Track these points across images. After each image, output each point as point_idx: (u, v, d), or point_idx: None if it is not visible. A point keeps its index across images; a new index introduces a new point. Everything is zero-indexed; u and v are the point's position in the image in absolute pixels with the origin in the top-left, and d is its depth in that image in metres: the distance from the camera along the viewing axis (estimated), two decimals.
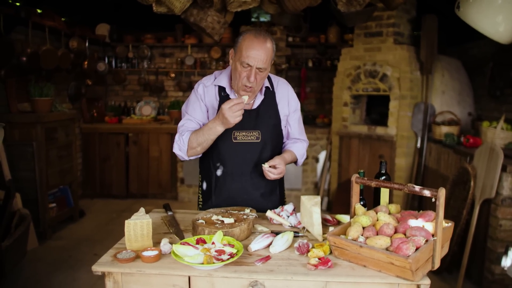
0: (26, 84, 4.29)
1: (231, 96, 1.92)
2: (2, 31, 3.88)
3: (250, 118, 1.92)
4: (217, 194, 2.01)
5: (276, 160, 1.86)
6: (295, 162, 2.09)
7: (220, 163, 1.98)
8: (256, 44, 1.75)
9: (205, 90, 1.96)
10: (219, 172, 1.99)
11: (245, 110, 1.86)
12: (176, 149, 1.92)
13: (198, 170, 2.15)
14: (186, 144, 1.88)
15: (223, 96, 1.93)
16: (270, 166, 1.85)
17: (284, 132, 2.07)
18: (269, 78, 2.02)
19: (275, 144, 1.99)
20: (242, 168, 1.96)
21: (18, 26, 4.20)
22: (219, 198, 2.01)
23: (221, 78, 1.96)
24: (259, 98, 1.96)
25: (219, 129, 1.77)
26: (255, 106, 1.95)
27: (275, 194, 2.07)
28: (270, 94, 1.99)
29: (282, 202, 2.14)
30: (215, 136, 1.82)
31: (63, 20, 5.06)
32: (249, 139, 1.93)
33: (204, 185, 2.08)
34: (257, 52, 1.74)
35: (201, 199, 2.12)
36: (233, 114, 1.67)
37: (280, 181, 2.13)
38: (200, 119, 1.96)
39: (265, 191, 2.02)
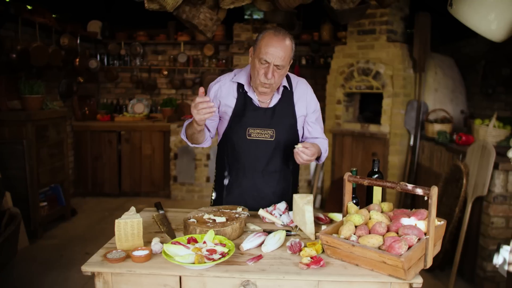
0: (16, 81, 4.23)
1: (249, 93, 1.94)
2: None
3: (265, 116, 1.93)
4: (229, 189, 2.03)
5: (308, 144, 1.82)
6: (318, 158, 2.05)
7: (233, 159, 1.99)
8: (275, 42, 1.77)
9: (220, 89, 1.98)
10: (231, 167, 2.01)
11: (261, 108, 1.93)
12: (183, 135, 1.99)
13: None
14: (184, 134, 1.96)
15: (241, 93, 1.95)
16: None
17: (300, 133, 2.06)
18: (288, 78, 2.02)
19: (289, 144, 1.97)
20: (255, 165, 1.97)
21: (7, 22, 4.14)
22: (231, 193, 2.03)
23: (241, 76, 1.97)
24: (276, 97, 1.97)
25: (195, 124, 1.77)
26: (271, 105, 1.96)
27: (287, 195, 2.03)
28: (288, 93, 1.99)
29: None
30: (197, 131, 1.82)
31: (54, 17, 5.00)
32: (263, 137, 1.94)
33: (218, 180, 2.10)
34: (275, 49, 1.76)
35: (213, 194, 2.14)
36: (197, 111, 1.64)
37: (294, 182, 2.11)
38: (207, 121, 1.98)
39: (276, 190, 2.02)
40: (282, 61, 1.78)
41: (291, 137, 1.99)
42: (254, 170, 1.97)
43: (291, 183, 2.09)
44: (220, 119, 2.02)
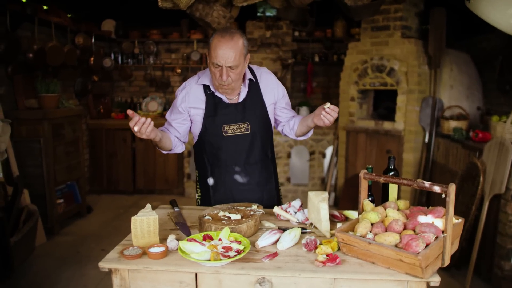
0: (32, 80, 4.30)
1: (216, 93, 1.97)
2: (9, 27, 3.89)
3: (237, 111, 1.98)
4: (214, 188, 2.07)
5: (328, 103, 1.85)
6: (307, 133, 2.13)
7: (213, 157, 2.04)
8: (223, 43, 1.78)
9: (187, 94, 2.00)
10: (213, 165, 2.06)
11: (232, 104, 1.98)
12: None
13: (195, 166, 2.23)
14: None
15: (209, 94, 1.98)
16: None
17: (272, 120, 2.12)
18: (252, 70, 2.06)
19: (264, 133, 2.05)
20: (235, 160, 2.02)
21: (24, 22, 4.20)
22: (217, 191, 2.07)
23: (204, 77, 2.00)
24: (244, 91, 2.01)
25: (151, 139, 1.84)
26: (241, 99, 2.00)
27: (270, 183, 2.13)
28: (254, 85, 2.03)
29: (277, 189, 2.20)
30: (156, 143, 1.92)
31: (69, 16, 5.06)
32: (239, 132, 1.99)
33: (201, 180, 2.13)
34: (224, 51, 1.77)
35: (199, 194, 2.17)
36: (140, 134, 1.69)
37: (274, 169, 2.19)
38: (175, 125, 2.05)
39: (259, 180, 2.08)
40: (233, 62, 1.79)
41: (265, 126, 2.06)
42: (236, 165, 2.03)
43: (272, 172, 2.16)
44: (191, 122, 2.05)
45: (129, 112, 1.65)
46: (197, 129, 2.04)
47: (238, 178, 2.04)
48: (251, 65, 2.08)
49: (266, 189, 2.11)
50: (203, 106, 1.98)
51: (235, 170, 2.03)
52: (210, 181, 2.07)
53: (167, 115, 2.09)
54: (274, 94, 2.08)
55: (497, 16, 2.60)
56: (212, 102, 1.97)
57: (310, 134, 2.13)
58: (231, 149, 2.00)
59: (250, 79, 2.01)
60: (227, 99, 1.99)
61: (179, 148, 2.09)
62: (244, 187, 2.05)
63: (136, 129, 1.66)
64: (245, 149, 2.01)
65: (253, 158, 2.03)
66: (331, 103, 1.85)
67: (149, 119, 1.68)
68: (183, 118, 2.03)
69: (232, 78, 1.84)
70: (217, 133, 1.98)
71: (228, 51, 1.77)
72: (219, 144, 1.99)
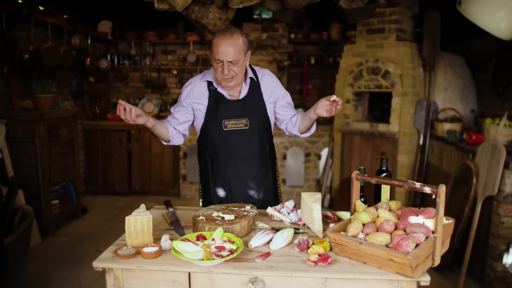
0: (28, 81, 4.30)
1: (219, 89, 2.09)
2: (4, 28, 3.88)
3: (237, 108, 2.09)
4: (214, 179, 2.17)
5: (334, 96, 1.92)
6: (310, 128, 2.17)
7: (213, 151, 2.14)
8: (223, 40, 1.93)
9: (192, 90, 2.14)
10: (213, 158, 2.15)
11: (233, 101, 2.10)
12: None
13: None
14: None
15: (212, 90, 2.11)
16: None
17: (272, 119, 2.21)
18: (254, 71, 2.17)
19: (262, 129, 2.15)
20: (234, 154, 2.12)
21: (20, 23, 4.20)
22: (217, 183, 2.16)
23: (209, 75, 2.15)
24: (245, 89, 2.12)
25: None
26: (241, 96, 2.12)
27: (267, 178, 2.21)
28: (255, 84, 2.15)
29: (275, 186, 2.27)
30: (151, 130, 2.01)
31: (65, 17, 5.06)
32: (238, 127, 2.10)
33: (202, 173, 2.24)
34: (224, 48, 1.92)
35: (201, 187, 2.27)
36: (128, 118, 1.82)
37: (273, 165, 2.26)
38: (177, 116, 2.17)
39: (257, 174, 2.17)
40: (234, 57, 1.94)
41: (264, 123, 2.16)
42: (234, 158, 2.13)
43: (270, 168, 2.24)
44: (194, 117, 2.18)
45: (119, 101, 1.79)
46: (199, 123, 2.16)
47: (237, 171, 2.13)
48: (254, 67, 2.20)
49: (263, 184, 2.19)
50: (206, 101, 2.10)
51: (233, 163, 2.13)
52: (210, 173, 2.17)
53: (172, 108, 2.21)
54: (274, 94, 2.18)
55: (486, 19, 2.63)
56: (214, 98, 2.09)
57: (313, 130, 2.18)
58: (230, 143, 2.10)
59: (251, 78, 2.13)
60: (229, 95, 2.10)
61: (177, 140, 2.18)
62: (241, 180, 2.14)
63: (122, 115, 1.81)
64: (243, 143, 2.11)
65: (251, 153, 2.13)
66: None
67: (132, 107, 1.81)
68: (186, 112, 2.15)
69: (234, 71, 1.97)
70: (218, 127, 2.09)
71: (229, 47, 1.92)
72: (218, 138, 2.10)
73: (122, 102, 1.78)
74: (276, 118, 2.26)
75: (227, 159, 2.13)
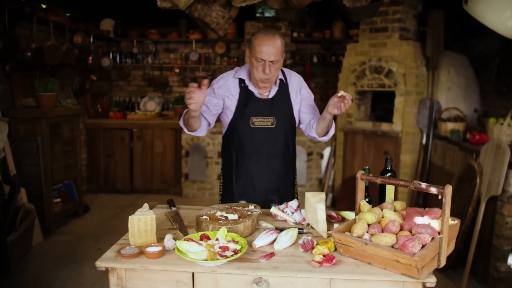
0: (30, 79, 4.29)
1: (250, 87, 2.16)
2: (7, 26, 3.88)
3: (266, 106, 2.16)
4: (237, 174, 2.21)
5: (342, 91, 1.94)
6: (328, 131, 2.19)
7: (239, 146, 2.19)
8: (266, 41, 1.99)
9: (224, 84, 2.18)
10: (238, 153, 2.20)
11: (262, 99, 2.17)
12: (181, 122, 2.14)
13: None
14: (182, 120, 2.11)
15: (243, 87, 2.17)
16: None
17: (297, 119, 2.26)
18: (283, 72, 2.24)
19: (287, 129, 2.22)
20: (259, 150, 2.18)
21: (22, 21, 4.19)
22: (240, 178, 2.21)
23: (241, 72, 2.20)
24: (274, 89, 2.19)
25: (190, 112, 1.90)
26: (270, 96, 2.18)
27: (288, 175, 2.28)
28: (283, 85, 2.22)
29: (293, 184, 2.34)
30: (191, 117, 1.95)
31: (68, 15, 5.05)
32: (265, 124, 2.16)
33: (225, 168, 2.28)
34: (267, 48, 1.98)
35: (221, 181, 2.32)
36: (187, 100, 1.78)
37: (294, 164, 2.33)
38: (210, 107, 2.16)
39: (279, 171, 2.23)
40: (275, 57, 2.00)
41: (289, 123, 2.23)
42: (259, 154, 2.18)
43: (292, 166, 2.30)
44: (223, 110, 2.21)
45: (192, 83, 1.76)
46: (228, 118, 2.20)
47: (260, 167, 2.19)
48: (283, 68, 2.25)
49: (284, 180, 2.25)
50: (237, 96, 2.16)
51: (258, 159, 2.19)
52: (234, 168, 2.20)
53: None
54: (300, 94, 2.25)
55: (493, 18, 2.61)
56: (245, 95, 2.16)
57: (331, 133, 2.20)
58: (256, 139, 2.16)
59: (280, 79, 2.20)
60: (258, 94, 2.16)
61: (203, 132, 2.18)
62: (264, 176, 2.20)
63: (187, 95, 1.76)
64: (268, 141, 2.17)
65: (275, 150, 2.19)
66: None
67: (203, 92, 1.78)
68: (215, 103, 2.16)
69: (272, 72, 2.03)
70: (245, 124, 2.15)
71: (271, 47, 1.98)
72: (245, 133, 2.17)
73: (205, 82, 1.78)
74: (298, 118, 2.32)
75: (252, 155, 2.18)
